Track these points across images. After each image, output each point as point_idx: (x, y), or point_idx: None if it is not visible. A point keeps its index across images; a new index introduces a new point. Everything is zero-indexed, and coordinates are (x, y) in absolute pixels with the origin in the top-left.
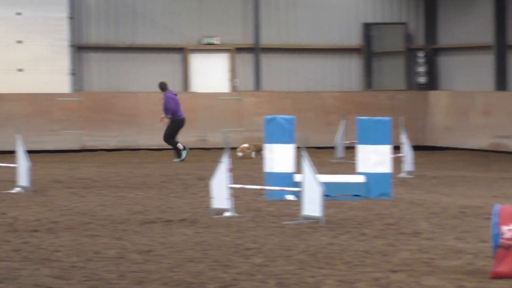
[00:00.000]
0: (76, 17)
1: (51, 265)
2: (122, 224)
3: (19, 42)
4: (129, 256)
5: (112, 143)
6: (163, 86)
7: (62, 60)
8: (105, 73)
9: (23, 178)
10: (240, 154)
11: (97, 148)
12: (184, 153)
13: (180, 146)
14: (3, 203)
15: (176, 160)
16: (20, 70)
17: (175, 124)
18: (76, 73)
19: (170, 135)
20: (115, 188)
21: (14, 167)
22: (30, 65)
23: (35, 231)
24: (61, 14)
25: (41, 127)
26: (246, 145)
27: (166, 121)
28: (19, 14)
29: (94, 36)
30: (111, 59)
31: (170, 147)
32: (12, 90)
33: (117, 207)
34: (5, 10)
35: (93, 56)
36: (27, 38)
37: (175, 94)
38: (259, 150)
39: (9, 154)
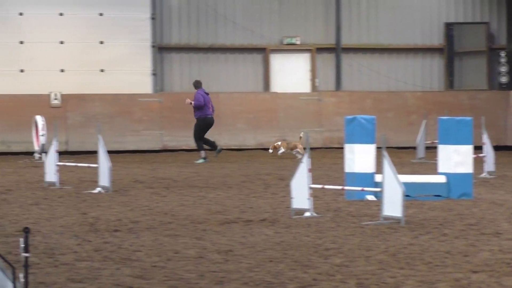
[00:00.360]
0: (158, 18)
1: (132, 264)
2: (202, 224)
3: (101, 42)
4: (209, 256)
5: (193, 143)
6: (197, 84)
7: (144, 61)
8: (186, 74)
9: (104, 178)
10: (270, 151)
11: (178, 148)
12: (201, 161)
13: (203, 154)
14: (84, 203)
15: (199, 161)
16: (102, 70)
17: (203, 123)
18: (158, 74)
19: (198, 135)
20: (195, 188)
21: (95, 167)
22: (112, 65)
23: (116, 231)
24: (144, 15)
25: (123, 127)
26: (278, 143)
27: (188, 101)
28: (101, 15)
29: (175, 37)
30: (192, 59)
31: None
32: (94, 91)
33: (197, 207)
34: (88, 11)
35: (174, 57)
36: (109, 39)
37: (207, 93)
38: (292, 149)
39: (91, 154)
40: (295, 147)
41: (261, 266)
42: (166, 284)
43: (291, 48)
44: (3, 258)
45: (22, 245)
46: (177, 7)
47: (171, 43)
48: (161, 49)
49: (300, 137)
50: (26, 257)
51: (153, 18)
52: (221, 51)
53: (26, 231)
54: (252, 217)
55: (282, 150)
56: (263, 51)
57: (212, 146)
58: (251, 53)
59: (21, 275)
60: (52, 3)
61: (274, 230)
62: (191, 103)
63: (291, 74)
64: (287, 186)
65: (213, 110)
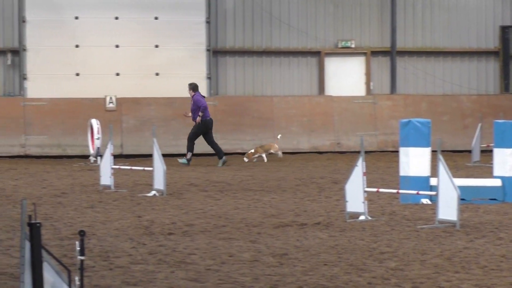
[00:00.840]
0: (213, 21)
1: (187, 268)
2: (256, 227)
3: (156, 46)
4: (263, 259)
5: (247, 147)
6: (195, 87)
7: (199, 64)
8: (240, 77)
9: (159, 182)
10: (245, 159)
11: (232, 152)
12: (185, 162)
13: (189, 155)
14: (139, 206)
15: (182, 161)
16: (157, 74)
17: (203, 126)
18: (212, 77)
19: (193, 136)
20: (249, 192)
21: (150, 171)
22: (167, 69)
23: (171, 234)
24: (199, 18)
25: (177, 130)
26: (252, 150)
27: (199, 120)
28: (156, 18)
29: (230, 40)
30: (246, 63)
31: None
32: (149, 94)
33: (252, 210)
34: (143, 15)
35: (229, 60)
36: (164, 43)
37: (203, 97)
38: (267, 150)
39: (146, 157)
40: (270, 148)
41: (316, 270)
42: (220, 287)
43: (346, 51)
44: (58, 261)
45: (78, 248)
46: (232, 11)
47: (225, 46)
48: (215, 53)
49: (277, 139)
50: (82, 260)
51: (208, 22)
52: (276, 54)
53: (82, 234)
54: (306, 221)
55: (257, 154)
56: (318, 55)
57: (219, 154)
58: (306, 57)
59: (76, 278)
60: (107, 7)
61: (329, 233)
62: (200, 115)
63: (346, 77)
64: (341, 189)
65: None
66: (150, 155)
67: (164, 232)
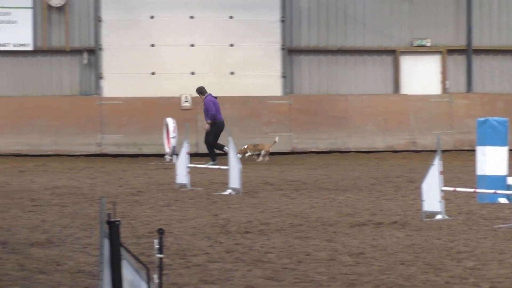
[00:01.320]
0: (287, 20)
1: (263, 266)
2: (332, 226)
3: (231, 45)
4: (340, 258)
5: (322, 146)
6: (202, 90)
7: (274, 63)
8: (315, 76)
9: (235, 180)
10: (239, 155)
11: (307, 151)
12: (212, 164)
13: (215, 160)
14: (215, 204)
15: (210, 163)
16: (232, 73)
17: (216, 128)
18: (287, 76)
19: (215, 140)
20: (325, 190)
21: (226, 169)
22: (242, 68)
23: (247, 232)
24: (274, 17)
25: (252, 129)
26: (245, 146)
27: (207, 126)
28: (231, 17)
29: (305, 39)
30: (321, 61)
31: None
32: (224, 93)
33: (327, 209)
34: (218, 14)
35: (303, 59)
36: (239, 42)
37: (215, 97)
38: (259, 151)
39: (221, 156)
40: (262, 148)
41: (393, 269)
42: (297, 286)
43: (421, 50)
44: (137, 259)
45: (157, 246)
46: (306, 9)
47: (300, 45)
48: (290, 52)
49: (274, 142)
50: (160, 258)
51: (282, 21)
52: (350, 53)
53: (161, 232)
54: (382, 220)
55: (248, 153)
56: (393, 53)
57: (212, 156)
58: (381, 55)
59: (155, 276)
60: (182, 6)
61: (405, 232)
62: (208, 123)
63: (421, 76)
64: (417, 188)
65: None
66: (225, 154)
67: (240, 231)
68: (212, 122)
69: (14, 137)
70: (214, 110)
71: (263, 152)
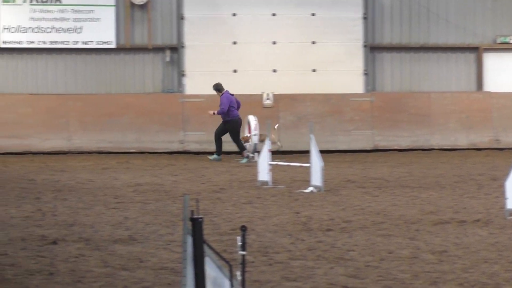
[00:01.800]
0: (370, 17)
1: (346, 264)
2: (415, 224)
3: (313, 43)
4: (422, 256)
5: (404, 143)
6: (219, 87)
7: (356, 61)
8: (397, 73)
9: (316, 178)
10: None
11: (389, 148)
12: (245, 160)
13: (245, 153)
14: (297, 202)
15: (243, 161)
16: (313, 70)
17: (235, 125)
18: (369, 73)
19: (235, 138)
20: (407, 188)
21: (307, 167)
22: (324, 65)
23: (329, 230)
24: (356, 15)
25: (334, 127)
26: (248, 134)
27: (211, 112)
28: (313, 15)
29: (387, 36)
30: (403, 59)
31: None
32: (306, 91)
33: (410, 207)
34: (300, 11)
35: (386, 56)
36: (321, 39)
37: (232, 95)
38: (262, 140)
39: (303, 154)
40: (263, 138)
41: (476, 267)
42: (380, 284)
43: (505, 47)
44: (220, 255)
45: (239, 243)
46: (389, 6)
47: (382, 42)
48: (372, 49)
49: (274, 128)
50: (243, 255)
51: (365, 18)
52: (433, 50)
53: (243, 229)
54: (465, 218)
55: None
56: (476, 50)
57: (218, 150)
58: (464, 52)
59: (237, 273)
60: (265, 3)
61: (488, 231)
62: (214, 113)
63: (505, 73)
64: (501, 186)
65: (239, 107)
66: (307, 151)
67: (322, 228)
68: (220, 116)
69: (97, 134)
70: (225, 106)
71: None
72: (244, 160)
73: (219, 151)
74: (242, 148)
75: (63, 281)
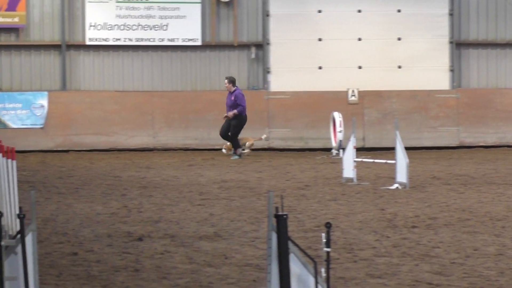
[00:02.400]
0: (456, 13)
1: (431, 261)
2: (501, 221)
3: (399, 39)
4: (508, 253)
5: (491, 140)
6: (234, 80)
7: (442, 57)
8: (483, 70)
9: (401, 175)
10: (224, 151)
11: (475, 145)
12: (237, 157)
13: (238, 151)
14: (382, 199)
15: (234, 158)
16: (399, 67)
17: (241, 121)
18: (455, 70)
19: (237, 132)
20: (493, 185)
21: (392, 164)
22: (409, 62)
23: (414, 227)
24: (442, 11)
25: (420, 123)
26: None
27: (232, 114)
28: (399, 11)
29: (473, 32)
30: (490, 55)
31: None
32: (391, 87)
33: (496, 204)
34: (386, 8)
35: (472, 53)
36: (407, 35)
37: (242, 95)
38: (243, 144)
39: (388, 150)
40: (246, 141)
41: None
42: (465, 281)
43: None
44: (304, 252)
45: (324, 240)
46: (475, 2)
47: (468, 38)
48: (458, 45)
49: (260, 138)
50: (328, 252)
51: (451, 14)
52: None
53: (328, 226)
54: None
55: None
56: None
57: (237, 144)
58: None
59: (322, 270)
60: (350, 0)
61: None
62: (234, 114)
63: None
64: None
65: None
66: (392, 148)
67: (407, 225)
68: (238, 114)
69: (183, 131)
70: (244, 103)
71: (247, 144)
72: (236, 157)
73: (237, 145)
74: (237, 146)
75: (149, 277)
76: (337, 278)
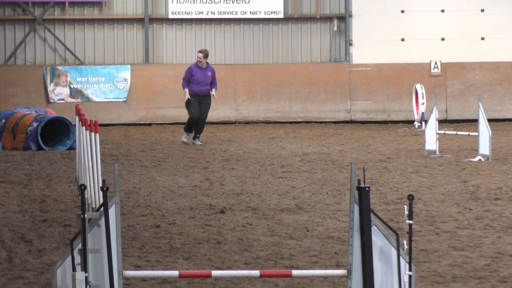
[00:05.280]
0: None
1: None
2: None
3: (482, 10)
4: None
5: None
6: (208, 54)
7: None
8: None
9: (484, 147)
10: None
11: None
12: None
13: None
14: (464, 171)
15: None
16: (482, 38)
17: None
18: None
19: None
20: None
21: (475, 136)
22: (493, 33)
23: (497, 199)
24: None
25: (503, 95)
26: None
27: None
28: None
29: None
30: None
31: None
32: (474, 59)
33: None
34: None
35: None
36: (490, 6)
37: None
38: None
39: (470, 122)
40: None
41: None
42: None
43: None
44: (386, 224)
45: (406, 212)
46: None
47: None
48: None
49: None
50: (410, 224)
51: None
52: None
53: (411, 198)
54: None
55: None
56: None
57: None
58: None
59: (404, 242)
60: None
61: None
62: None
63: None
64: None
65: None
66: (475, 120)
67: (490, 198)
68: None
69: (265, 104)
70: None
71: None
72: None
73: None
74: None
75: (231, 250)
76: (420, 250)
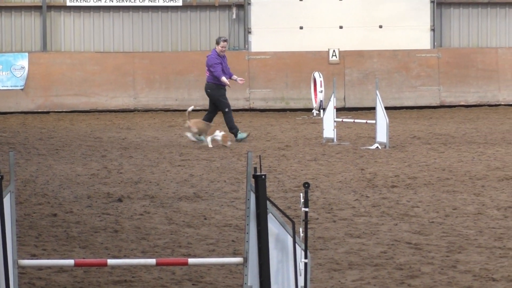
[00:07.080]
0: None
1: (410, 220)
2: (480, 180)
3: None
4: (487, 212)
5: (471, 99)
6: None
7: (423, 16)
8: (465, 29)
9: (382, 134)
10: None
11: (456, 104)
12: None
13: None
14: (362, 159)
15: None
16: (380, 27)
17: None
18: (436, 29)
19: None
20: (473, 144)
21: (373, 123)
22: (391, 21)
23: (394, 186)
24: None
25: (400, 83)
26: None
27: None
28: None
29: None
30: (471, 14)
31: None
32: (373, 47)
33: (476, 163)
34: None
35: (453, 12)
36: None
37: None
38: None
39: (368, 110)
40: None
41: None
42: (444, 240)
43: None
44: (283, 212)
45: (302, 200)
46: None
47: None
48: (439, 4)
49: (189, 112)
50: (306, 212)
51: None
52: (501, 5)
53: (306, 186)
54: None
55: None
56: None
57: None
58: None
59: (300, 230)
60: None
61: None
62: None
63: None
64: None
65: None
66: (373, 108)
67: (387, 185)
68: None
69: (164, 92)
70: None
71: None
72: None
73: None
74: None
75: (128, 238)
76: (317, 238)
